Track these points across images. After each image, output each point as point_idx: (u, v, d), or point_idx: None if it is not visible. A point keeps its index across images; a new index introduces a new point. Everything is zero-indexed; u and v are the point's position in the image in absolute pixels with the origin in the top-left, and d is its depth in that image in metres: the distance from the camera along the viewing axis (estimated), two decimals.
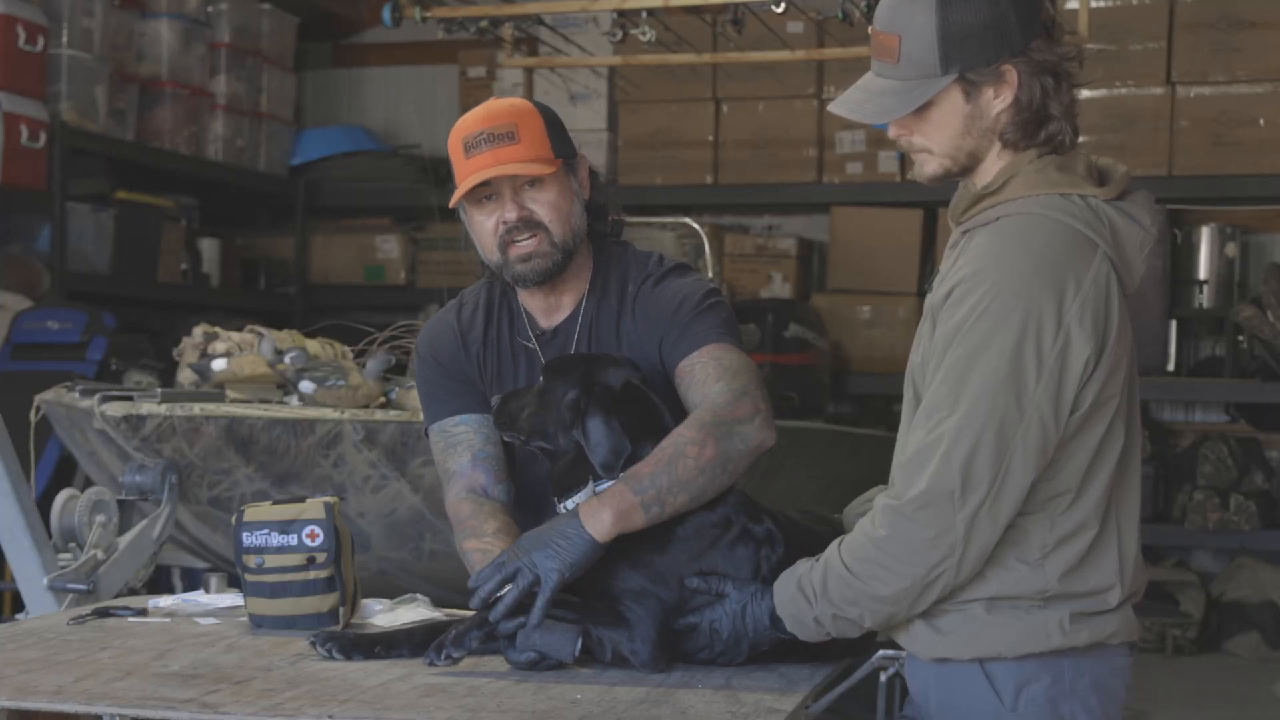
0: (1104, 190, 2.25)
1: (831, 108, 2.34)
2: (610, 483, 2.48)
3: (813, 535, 2.58)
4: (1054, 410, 2.14)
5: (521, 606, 2.37)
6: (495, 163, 2.69)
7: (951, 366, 2.17)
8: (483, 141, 2.70)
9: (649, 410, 2.53)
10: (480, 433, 2.82)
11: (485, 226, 2.76)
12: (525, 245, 2.73)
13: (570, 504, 2.52)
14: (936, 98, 2.24)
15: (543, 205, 2.73)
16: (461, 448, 2.81)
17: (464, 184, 2.71)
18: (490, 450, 2.80)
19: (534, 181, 2.73)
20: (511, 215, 2.72)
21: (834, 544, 2.27)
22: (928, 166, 2.31)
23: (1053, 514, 2.20)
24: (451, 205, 2.79)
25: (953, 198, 2.35)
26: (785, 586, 2.33)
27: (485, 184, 2.71)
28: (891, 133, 2.31)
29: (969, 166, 2.30)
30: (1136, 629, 2.30)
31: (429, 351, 2.90)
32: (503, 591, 2.38)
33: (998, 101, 2.24)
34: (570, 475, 2.55)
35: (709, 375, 2.63)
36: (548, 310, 2.84)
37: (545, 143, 2.73)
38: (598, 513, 2.41)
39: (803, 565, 2.33)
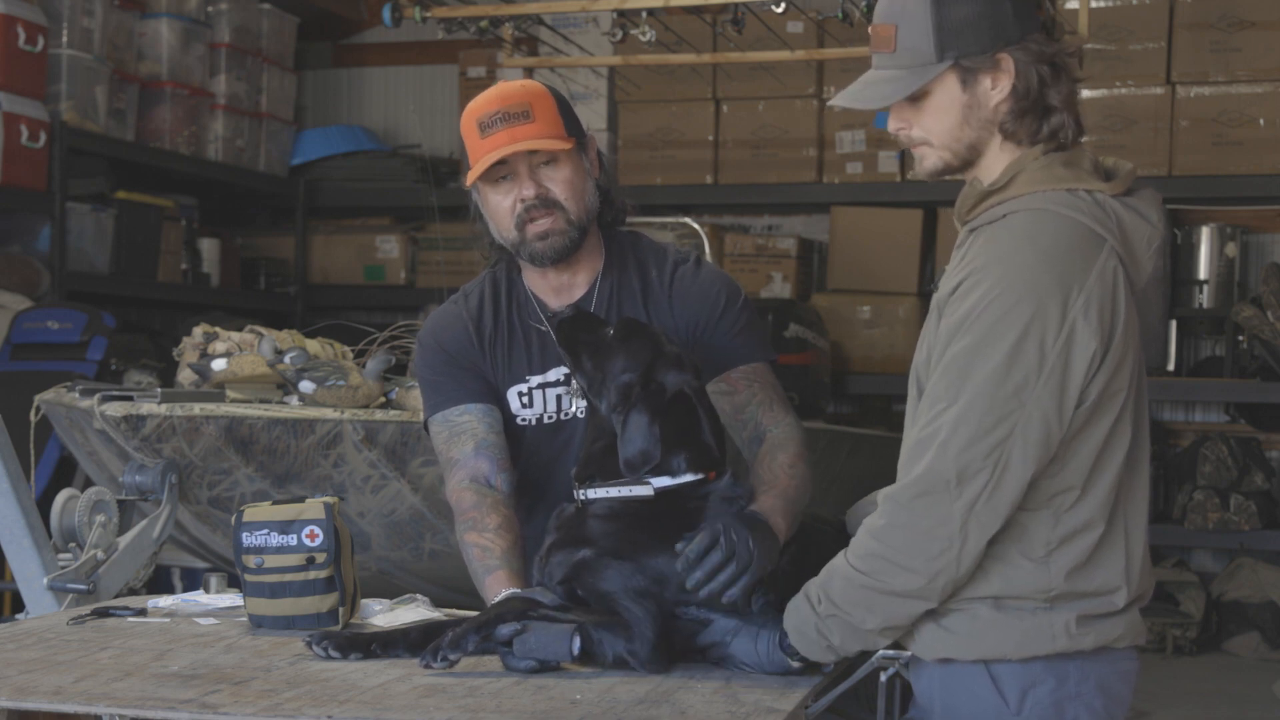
0: (1110, 185, 2.26)
1: (832, 102, 2.37)
2: (639, 488, 2.47)
3: (816, 535, 2.59)
4: (1057, 404, 2.14)
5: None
6: (512, 140, 2.71)
7: (954, 359, 2.17)
8: (498, 121, 2.72)
9: (691, 423, 2.53)
10: (484, 422, 2.82)
11: (502, 206, 2.78)
12: (542, 223, 2.75)
13: (588, 494, 2.52)
14: (933, 86, 2.25)
15: (558, 183, 2.76)
16: (465, 436, 2.81)
17: (481, 162, 2.72)
18: (493, 439, 2.81)
19: (549, 160, 2.75)
20: (529, 193, 2.74)
21: (842, 551, 2.28)
22: (928, 160, 2.32)
23: (1057, 511, 2.20)
24: (468, 184, 2.80)
25: (958, 197, 2.35)
26: (795, 599, 2.33)
27: (501, 163, 2.73)
28: (891, 126, 2.32)
29: (969, 160, 2.30)
30: (1143, 631, 2.30)
31: (434, 341, 2.90)
32: (712, 557, 2.37)
33: (995, 92, 2.25)
34: (599, 464, 2.53)
35: (770, 399, 2.80)
36: (559, 290, 2.86)
37: (559, 122, 2.76)
38: (774, 518, 2.51)
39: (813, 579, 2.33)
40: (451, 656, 2.36)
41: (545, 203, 2.75)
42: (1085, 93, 7.02)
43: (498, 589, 2.59)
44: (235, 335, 4.41)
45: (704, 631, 2.44)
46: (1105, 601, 2.23)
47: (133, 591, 3.95)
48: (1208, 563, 7.49)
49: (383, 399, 4.32)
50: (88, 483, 5.13)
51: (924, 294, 7.48)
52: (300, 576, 2.70)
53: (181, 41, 7.44)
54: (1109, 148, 7.07)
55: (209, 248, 7.89)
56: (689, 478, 2.49)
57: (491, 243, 2.88)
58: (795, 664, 2.35)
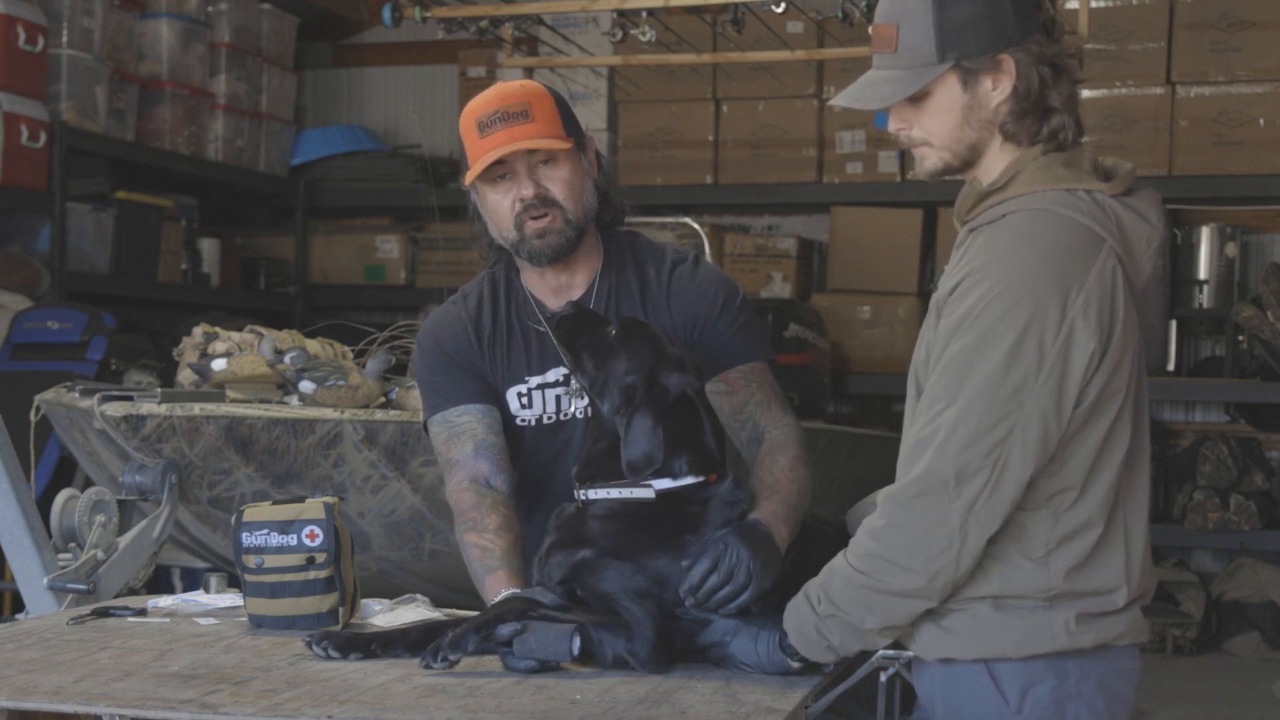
0: (1109, 185, 2.26)
1: (832, 102, 2.38)
2: (640, 491, 2.47)
3: (816, 535, 2.59)
4: (1055, 405, 2.15)
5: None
6: (511, 140, 2.71)
7: (953, 359, 2.17)
8: (497, 120, 2.72)
9: (693, 426, 2.53)
10: (483, 422, 2.83)
11: (501, 205, 2.78)
12: (541, 222, 2.75)
13: (588, 495, 2.52)
14: (934, 86, 2.25)
15: (557, 183, 2.76)
16: (464, 437, 2.81)
17: (480, 161, 2.72)
18: (493, 440, 2.81)
19: (548, 159, 2.76)
20: (528, 192, 2.75)
21: (842, 551, 2.28)
22: (928, 161, 2.32)
23: (1056, 511, 2.20)
24: (467, 184, 2.81)
25: (958, 197, 2.35)
26: (795, 599, 2.34)
27: (500, 162, 2.74)
28: (892, 126, 2.32)
29: (969, 160, 2.30)
30: (1145, 630, 2.30)
31: (434, 342, 2.90)
32: (710, 580, 2.39)
33: (996, 93, 2.25)
34: (600, 465, 2.53)
35: (768, 399, 2.80)
36: (558, 290, 2.86)
37: (557, 122, 2.77)
38: (777, 529, 2.50)
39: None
40: (451, 656, 2.36)
41: (544, 202, 2.75)
42: (1085, 93, 7.02)
43: (498, 589, 2.59)
44: (235, 335, 4.41)
45: (704, 631, 2.44)
46: (1105, 600, 2.23)
47: (133, 591, 3.95)
48: (1208, 563, 7.49)
49: (383, 399, 4.32)
50: (88, 483, 5.13)
51: (924, 294, 7.48)
52: (300, 576, 2.70)
53: (181, 41, 7.44)
54: (1109, 148, 7.07)
55: (209, 248, 7.89)
56: (690, 480, 2.49)
57: (490, 243, 2.88)
58: (795, 664, 2.35)
